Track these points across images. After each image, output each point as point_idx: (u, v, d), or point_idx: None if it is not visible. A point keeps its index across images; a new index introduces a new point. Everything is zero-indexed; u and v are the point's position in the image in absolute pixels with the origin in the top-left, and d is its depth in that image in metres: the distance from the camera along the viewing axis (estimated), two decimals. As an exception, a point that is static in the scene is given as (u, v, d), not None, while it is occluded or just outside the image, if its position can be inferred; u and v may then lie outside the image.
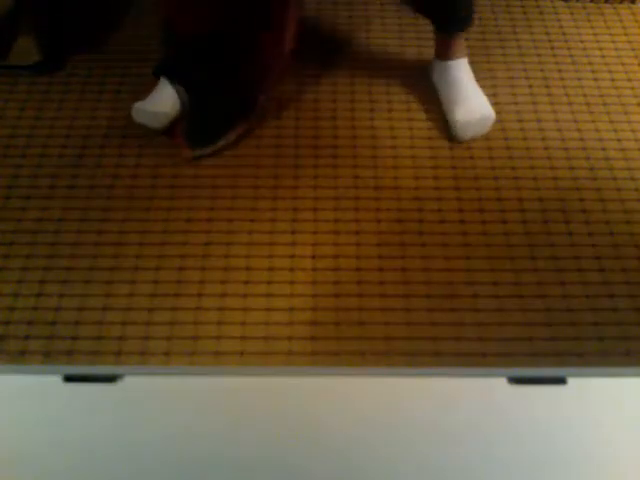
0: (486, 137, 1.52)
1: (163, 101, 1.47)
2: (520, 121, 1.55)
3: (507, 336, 1.22)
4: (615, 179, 1.45)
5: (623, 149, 1.50)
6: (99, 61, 1.67)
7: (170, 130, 1.50)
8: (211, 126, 1.47)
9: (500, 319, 1.24)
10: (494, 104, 1.56)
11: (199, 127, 1.47)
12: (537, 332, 1.22)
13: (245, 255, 1.32)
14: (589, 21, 1.79)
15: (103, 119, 1.55)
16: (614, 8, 1.82)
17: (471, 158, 1.48)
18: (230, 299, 1.26)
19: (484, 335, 1.22)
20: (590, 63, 1.68)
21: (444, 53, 1.56)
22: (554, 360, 1.19)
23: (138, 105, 1.47)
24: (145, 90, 1.55)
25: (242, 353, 1.19)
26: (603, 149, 1.50)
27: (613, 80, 1.64)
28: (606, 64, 1.68)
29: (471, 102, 1.50)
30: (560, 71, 1.66)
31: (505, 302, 1.26)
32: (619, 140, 1.51)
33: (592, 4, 1.83)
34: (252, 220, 1.37)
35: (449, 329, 1.22)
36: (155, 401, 0.76)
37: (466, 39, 1.74)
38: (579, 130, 1.53)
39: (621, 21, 1.79)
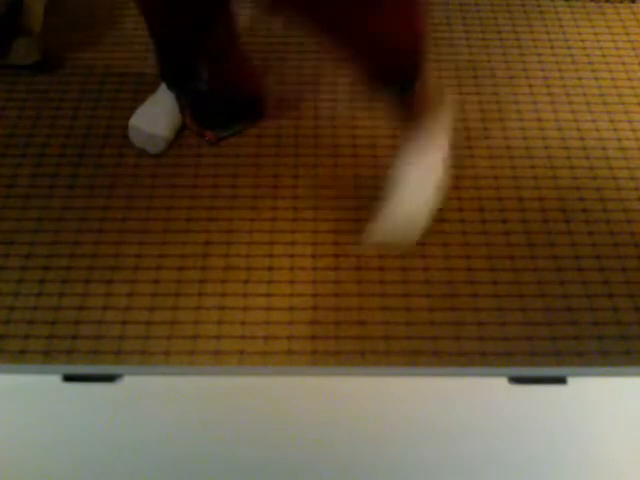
0: (486, 136, 1.52)
1: (160, 120, 1.45)
2: (520, 120, 1.55)
3: (507, 335, 1.22)
4: (615, 178, 1.44)
5: (623, 148, 1.50)
6: (99, 60, 1.67)
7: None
8: (224, 113, 1.47)
9: (500, 318, 1.24)
10: (495, 102, 1.56)
11: (213, 113, 1.46)
12: (537, 331, 1.22)
13: (245, 254, 1.32)
14: (589, 20, 1.79)
15: (103, 119, 1.54)
16: (614, 7, 1.82)
17: (471, 157, 1.48)
18: (230, 298, 1.26)
19: (484, 334, 1.22)
20: (590, 62, 1.68)
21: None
22: (554, 359, 1.19)
23: (134, 122, 1.46)
24: (145, 90, 1.55)
25: (242, 352, 1.19)
26: (603, 148, 1.50)
27: (613, 79, 1.64)
28: (606, 63, 1.68)
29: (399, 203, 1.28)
30: (560, 70, 1.66)
31: (505, 301, 1.26)
32: (619, 140, 1.51)
33: (592, 3, 1.83)
34: (252, 220, 1.37)
35: (449, 328, 1.22)
36: (155, 401, 0.76)
37: (466, 38, 1.74)
38: (579, 129, 1.53)
39: (621, 20, 1.79)
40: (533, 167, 1.46)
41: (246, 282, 1.28)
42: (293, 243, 1.32)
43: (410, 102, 1.23)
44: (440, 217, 1.38)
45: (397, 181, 1.30)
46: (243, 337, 1.21)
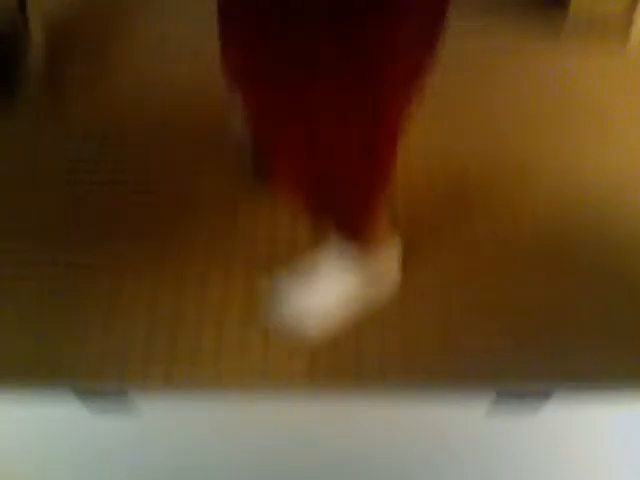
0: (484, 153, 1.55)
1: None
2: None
3: (495, 351, 1.25)
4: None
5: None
6: (104, 91, 1.69)
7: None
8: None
9: (488, 335, 1.27)
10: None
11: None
12: (524, 346, 1.25)
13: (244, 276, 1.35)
14: (581, 59, 1.81)
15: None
16: (605, 44, 1.85)
17: (463, 176, 1.52)
18: (230, 314, 1.29)
19: (470, 348, 1.25)
20: (580, 99, 1.71)
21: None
22: (540, 374, 1.21)
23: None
24: (152, 126, 1.57)
25: (243, 372, 1.22)
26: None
27: (598, 116, 1.67)
28: (597, 99, 1.71)
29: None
30: (546, 103, 1.69)
31: (492, 318, 1.29)
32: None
33: (580, 42, 1.85)
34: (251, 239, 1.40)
35: (437, 343, 1.25)
36: (163, 419, 0.79)
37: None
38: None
39: (612, 60, 1.82)
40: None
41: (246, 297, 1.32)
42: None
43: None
44: (431, 232, 1.42)
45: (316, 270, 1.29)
46: (242, 354, 1.24)
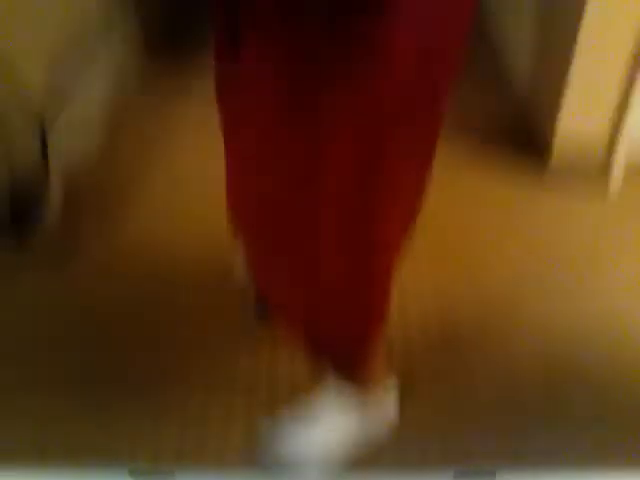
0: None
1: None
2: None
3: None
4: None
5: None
6: (109, 253, 1.77)
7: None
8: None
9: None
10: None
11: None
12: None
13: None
14: (564, 204, 1.92)
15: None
16: (586, 187, 1.96)
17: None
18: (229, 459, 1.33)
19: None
20: (563, 241, 1.81)
21: None
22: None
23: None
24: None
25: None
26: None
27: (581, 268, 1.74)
28: (579, 242, 1.80)
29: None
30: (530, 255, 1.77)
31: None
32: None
33: (562, 188, 1.96)
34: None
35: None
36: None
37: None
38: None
39: (593, 204, 1.92)
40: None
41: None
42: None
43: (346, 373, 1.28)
44: (430, 364, 1.47)
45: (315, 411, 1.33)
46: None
